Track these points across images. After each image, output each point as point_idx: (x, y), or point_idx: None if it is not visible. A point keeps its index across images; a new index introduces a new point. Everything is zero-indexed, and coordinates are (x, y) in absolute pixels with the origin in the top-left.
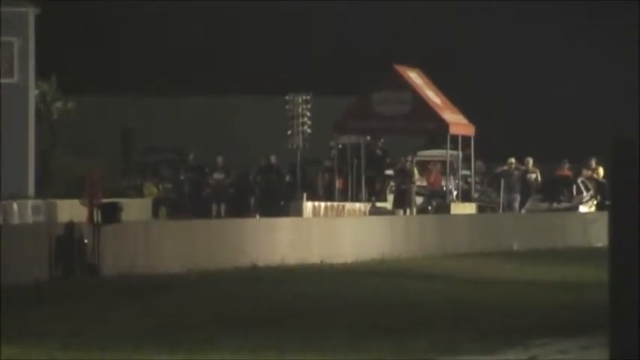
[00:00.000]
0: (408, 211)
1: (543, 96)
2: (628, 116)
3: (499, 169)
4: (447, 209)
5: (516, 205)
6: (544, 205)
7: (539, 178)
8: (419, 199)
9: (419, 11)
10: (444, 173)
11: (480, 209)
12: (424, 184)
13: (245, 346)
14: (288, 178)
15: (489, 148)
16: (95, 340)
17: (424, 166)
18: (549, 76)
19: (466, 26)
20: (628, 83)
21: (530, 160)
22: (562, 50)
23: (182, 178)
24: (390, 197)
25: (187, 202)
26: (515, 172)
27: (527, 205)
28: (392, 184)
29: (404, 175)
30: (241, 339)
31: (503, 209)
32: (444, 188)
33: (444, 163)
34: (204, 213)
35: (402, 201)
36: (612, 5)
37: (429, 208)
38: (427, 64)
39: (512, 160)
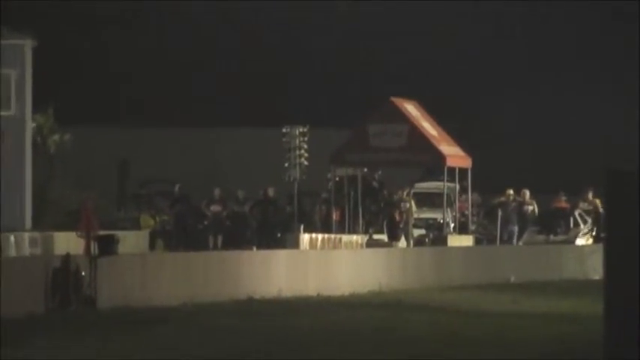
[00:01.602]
0: (404, 242)
1: (540, 128)
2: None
3: (496, 201)
4: (444, 241)
5: (514, 237)
6: (541, 238)
7: (536, 210)
8: (416, 231)
9: (417, 43)
10: (440, 206)
11: (477, 241)
12: (421, 216)
13: None
14: (287, 209)
15: (486, 180)
16: None
17: (421, 198)
18: (546, 108)
19: (464, 59)
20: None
21: (527, 192)
22: (558, 83)
23: (170, 210)
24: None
25: (183, 235)
26: (513, 204)
27: (524, 237)
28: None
29: (392, 207)
30: None
31: (500, 241)
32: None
33: (440, 195)
34: (200, 245)
35: (395, 233)
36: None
37: (426, 240)
38: (424, 96)
39: (511, 191)
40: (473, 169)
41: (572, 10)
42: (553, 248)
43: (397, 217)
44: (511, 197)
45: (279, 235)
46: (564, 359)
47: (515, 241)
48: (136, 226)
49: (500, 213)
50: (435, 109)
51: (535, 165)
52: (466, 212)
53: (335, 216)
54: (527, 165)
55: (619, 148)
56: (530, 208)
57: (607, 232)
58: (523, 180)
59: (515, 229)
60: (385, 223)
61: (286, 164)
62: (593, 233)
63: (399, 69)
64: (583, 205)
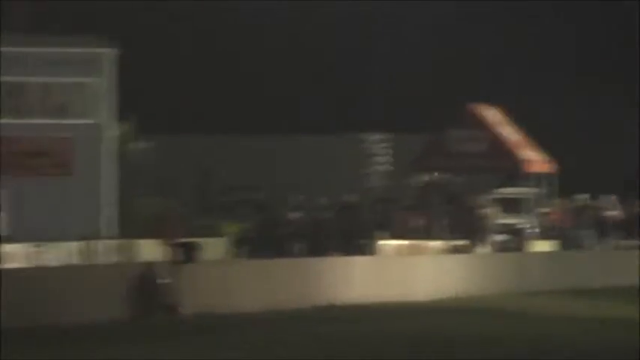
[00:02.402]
0: (482, 247)
1: (624, 132)
2: None
3: (571, 206)
4: (526, 247)
5: (589, 242)
6: (625, 243)
7: (621, 215)
8: (499, 237)
9: (492, 49)
10: (520, 211)
11: (562, 247)
12: (504, 221)
13: None
14: (369, 216)
15: (571, 185)
16: None
17: (503, 204)
18: (620, 111)
19: (540, 64)
20: None
21: (612, 197)
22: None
23: (253, 217)
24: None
25: (266, 242)
26: (587, 210)
27: (611, 242)
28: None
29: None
30: None
31: (577, 246)
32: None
33: (521, 200)
34: (283, 252)
35: (475, 237)
36: None
37: (508, 246)
38: (502, 101)
39: (586, 196)
40: (558, 174)
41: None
42: (636, 253)
43: (478, 223)
44: (586, 202)
45: (360, 241)
46: None
47: (590, 244)
48: (218, 233)
49: (576, 218)
50: (517, 116)
51: (620, 170)
52: (549, 218)
53: (417, 222)
54: (613, 170)
55: None
56: (615, 212)
57: None
58: (609, 185)
59: (591, 233)
60: (467, 229)
61: (367, 171)
62: None
63: (476, 73)
64: None
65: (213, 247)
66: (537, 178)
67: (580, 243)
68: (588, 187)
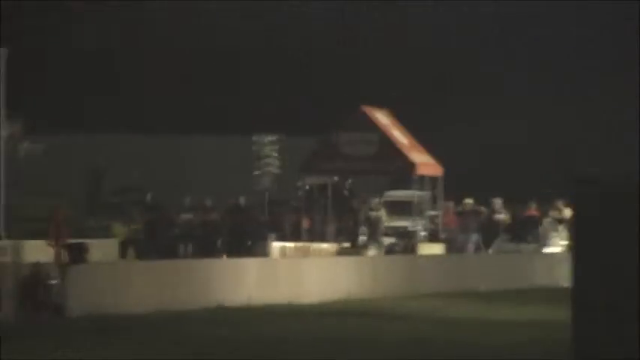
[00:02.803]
0: (374, 251)
1: (510, 135)
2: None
3: (456, 210)
4: (415, 250)
5: (471, 246)
6: (511, 246)
7: (507, 219)
8: (387, 239)
9: (387, 50)
10: (409, 214)
11: (448, 250)
12: (393, 224)
13: None
14: (258, 218)
15: (457, 188)
16: None
17: (392, 207)
18: (516, 114)
19: (433, 65)
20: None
21: (499, 201)
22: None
23: (141, 218)
24: (361, 239)
25: (154, 243)
26: (470, 213)
27: (495, 245)
28: (362, 227)
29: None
30: None
31: (459, 250)
32: (413, 228)
33: (411, 203)
34: (171, 253)
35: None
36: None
37: (397, 248)
38: (394, 104)
39: (470, 200)
40: (445, 177)
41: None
42: (523, 256)
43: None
44: (468, 206)
45: (249, 243)
46: None
47: (472, 248)
48: (107, 234)
49: (458, 222)
50: (406, 117)
51: (506, 174)
52: (437, 221)
53: (305, 224)
54: (498, 174)
55: (585, 156)
56: (502, 216)
57: (574, 240)
58: (494, 189)
59: (474, 237)
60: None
61: (256, 172)
62: (564, 242)
63: (369, 75)
64: (553, 213)
65: (102, 248)
66: (425, 181)
67: (464, 247)
68: (475, 190)
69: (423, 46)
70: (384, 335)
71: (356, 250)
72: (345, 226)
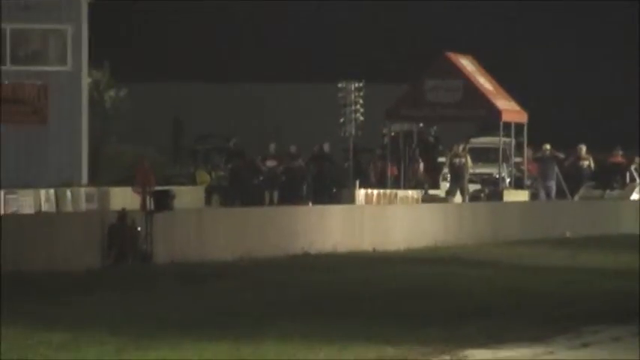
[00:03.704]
0: (460, 197)
1: (597, 83)
2: None
3: (534, 156)
4: (500, 196)
5: (552, 192)
6: (597, 193)
7: (592, 166)
8: (472, 186)
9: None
10: (496, 161)
11: (533, 196)
12: (477, 171)
13: (294, 334)
14: (343, 165)
15: (543, 135)
16: (145, 326)
17: (477, 154)
18: (603, 64)
19: (514, 16)
20: None
21: (584, 148)
22: (612, 38)
23: (226, 165)
24: (444, 184)
25: (239, 190)
26: (549, 159)
27: (580, 192)
28: (445, 171)
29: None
30: (291, 326)
31: (539, 197)
32: (498, 175)
33: (496, 150)
34: (256, 200)
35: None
36: None
37: (482, 195)
38: (478, 50)
39: (548, 146)
40: (529, 124)
41: None
42: (609, 203)
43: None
44: (547, 152)
45: (334, 190)
46: (621, 312)
47: (552, 195)
48: (191, 181)
49: (538, 168)
50: (490, 64)
51: (592, 121)
52: (522, 167)
53: (390, 171)
54: (584, 120)
55: None
56: (586, 163)
57: None
58: (580, 136)
59: (553, 184)
60: (441, 178)
61: (342, 120)
62: None
63: (452, 23)
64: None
65: (188, 196)
66: (510, 128)
67: (546, 193)
68: (560, 137)
69: None
70: (472, 283)
71: (441, 197)
72: (431, 173)
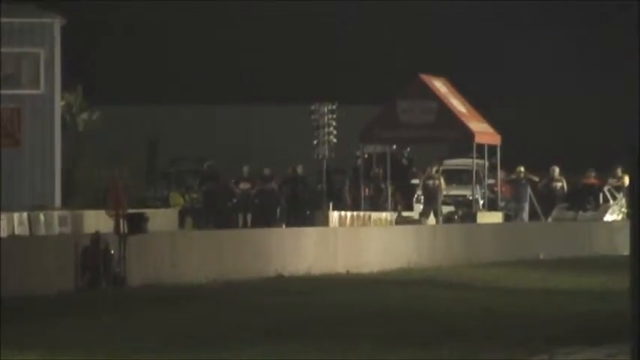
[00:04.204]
0: (434, 219)
1: (568, 104)
2: None
3: (507, 178)
4: (474, 218)
5: (525, 214)
6: (570, 214)
7: (565, 187)
8: (446, 208)
9: (444, 21)
10: (469, 182)
11: (507, 218)
12: (450, 193)
13: (269, 356)
14: (317, 187)
15: (515, 157)
16: (119, 349)
17: (450, 175)
18: (574, 84)
19: (490, 37)
20: None
21: (557, 169)
22: (588, 58)
23: (199, 188)
24: (417, 206)
25: (212, 212)
26: (523, 181)
27: (554, 214)
28: (418, 192)
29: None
30: (266, 350)
31: (512, 218)
32: (472, 197)
33: (470, 172)
34: (230, 223)
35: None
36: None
37: (456, 217)
38: (452, 71)
39: (522, 168)
40: (502, 146)
41: None
42: (582, 225)
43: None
44: (521, 174)
45: (308, 212)
46: (594, 334)
47: (525, 217)
48: (165, 204)
49: (511, 190)
50: (463, 87)
51: (565, 142)
52: (495, 189)
53: (364, 193)
54: (557, 142)
55: None
56: (560, 184)
57: (633, 208)
58: (553, 157)
59: (526, 205)
60: (415, 200)
61: (315, 142)
62: (624, 209)
63: (426, 45)
64: (612, 181)
65: (161, 218)
66: (483, 150)
67: (520, 215)
68: (533, 158)
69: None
70: (446, 305)
71: (415, 219)
72: (404, 195)
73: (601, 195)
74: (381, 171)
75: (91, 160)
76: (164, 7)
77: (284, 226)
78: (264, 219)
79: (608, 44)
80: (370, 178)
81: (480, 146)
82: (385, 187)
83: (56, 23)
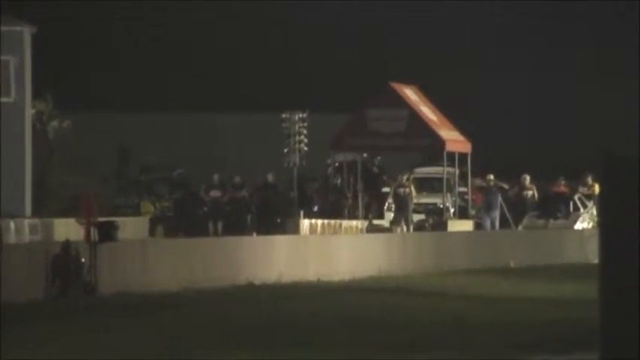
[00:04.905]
0: (405, 227)
1: (540, 112)
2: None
3: (476, 186)
4: (444, 226)
5: (496, 222)
6: (541, 222)
7: (536, 195)
8: (416, 216)
9: (416, 28)
10: (440, 190)
11: (477, 226)
12: (421, 201)
13: None
14: (287, 195)
15: (486, 165)
16: (88, 358)
17: (421, 183)
18: (546, 92)
19: (463, 43)
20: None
21: (528, 177)
22: (558, 67)
23: (170, 196)
24: (388, 214)
25: (183, 221)
26: (493, 189)
27: (524, 222)
28: (389, 201)
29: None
30: (236, 357)
31: (482, 227)
32: (442, 205)
33: (440, 180)
34: (201, 231)
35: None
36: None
37: (426, 225)
38: (423, 80)
39: (491, 176)
40: (473, 154)
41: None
42: (553, 233)
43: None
44: (492, 182)
45: (279, 220)
46: (564, 342)
47: (496, 225)
48: (136, 212)
49: (482, 198)
50: (434, 94)
51: (535, 151)
52: (466, 197)
53: (335, 201)
54: (527, 150)
55: (617, 132)
56: (530, 192)
57: (602, 217)
58: (523, 165)
59: (496, 213)
60: (386, 208)
61: (286, 150)
62: (594, 217)
63: (398, 53)
64: (583, 189)
65: (131, 226)
66: (454, 158)
67: (490, 223)
68: (504, 166)
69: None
70: (416, 313)
71: (385, 227)
72: (375, 203)
73: (571, 203)
74: (352, 179)
75: (61, 169)
76: (134, 15)
77: (255, 234)
78: (235, 227)
79: (583, 52)
80: (334, 187)
81: (451, 154)
82: (352, 195)
83: (26, 31)
